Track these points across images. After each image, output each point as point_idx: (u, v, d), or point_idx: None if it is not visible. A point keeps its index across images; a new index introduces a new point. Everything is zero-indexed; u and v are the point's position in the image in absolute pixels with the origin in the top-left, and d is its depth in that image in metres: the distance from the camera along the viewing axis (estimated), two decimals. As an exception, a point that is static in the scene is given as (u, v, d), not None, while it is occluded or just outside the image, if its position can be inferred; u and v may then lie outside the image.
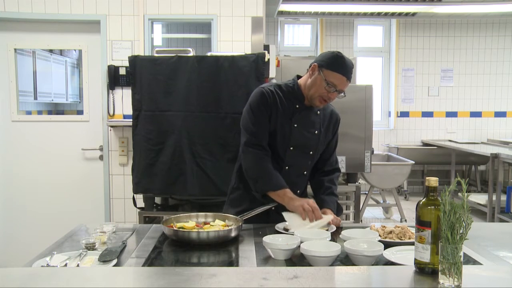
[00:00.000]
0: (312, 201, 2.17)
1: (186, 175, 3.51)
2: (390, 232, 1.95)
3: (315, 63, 2.21)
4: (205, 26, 4.64)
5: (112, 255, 1.72)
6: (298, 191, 2.33)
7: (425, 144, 7.78)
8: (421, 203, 1.44)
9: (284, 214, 2.15)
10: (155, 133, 3.53)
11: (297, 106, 2.28)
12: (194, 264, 1.77)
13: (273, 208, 2.24)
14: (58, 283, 1.36)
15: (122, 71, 4.11)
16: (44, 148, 4.25)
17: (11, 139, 4.24)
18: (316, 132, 2.32)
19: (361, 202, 4.53)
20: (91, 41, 4.24)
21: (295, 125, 2.27)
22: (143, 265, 1.69)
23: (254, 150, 2.24)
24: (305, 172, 2.37)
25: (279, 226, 2.12)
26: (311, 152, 2.32)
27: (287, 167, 2.30)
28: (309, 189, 2.47)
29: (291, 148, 2.28)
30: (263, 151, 2.24)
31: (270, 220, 2.24)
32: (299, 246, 1.72)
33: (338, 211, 2.33)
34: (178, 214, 2.14)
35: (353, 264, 1.65)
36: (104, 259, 1.68)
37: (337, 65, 2.16)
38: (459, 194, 1.37)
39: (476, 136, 7.97)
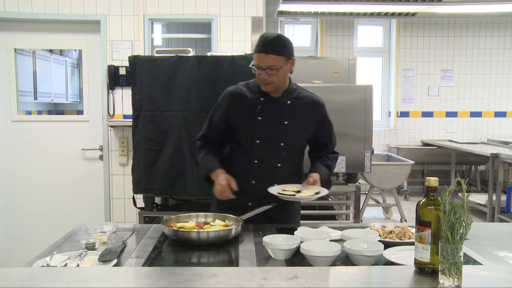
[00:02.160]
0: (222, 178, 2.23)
1: (186, 175, 3.51)
2: (390, 232, 1.95)
3: None
4: (205, 26, 4.65)
5: (112, 255, 1.72)
6: (275, 185, 2.27)
7: (425, 144, 7.78)
8: (421, 203, 1.44)
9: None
10: (155, 133, 3.53)
11: (262, 98, 2.28)
12: (194, 264, 1.77)
13: (274, 205, 2.23)
14: (58, 283, 1.36)
15: (122, 71, 4.12)
16: (44, 148, 4.25)
17: (11, 139, 4.24)
18: (286, 122, 2.28)
19: (361, 202, 4.52)
20: (91, 41, 4.23)
21: (259, 118, 2.26)
22: (143, 265, 1.69)
23: (198, 142, 2.41)
24: (279, 165, 2.31)
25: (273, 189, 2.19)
26: (282, 144, 2.28)
27: (256, 161, 2.28)
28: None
29: (258, 141, 2.27)
30: (206, 140, 2.39)
31: (269, 219, 2.24)
32: (299, 246, 1.72)
33: (327, 184, 2.32)
34: (178, 214, 2.14)
35: (353, 264, 1.65)
36: (104, 259, 1.68)
37: (256, 46, 2.19)
38: (459, 194, 1.37)
39: (476, 136, 7.97)
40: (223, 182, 2.21)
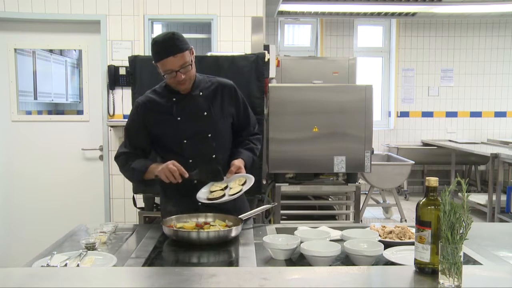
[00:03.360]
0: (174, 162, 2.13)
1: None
2: (390, 232, 1.95)
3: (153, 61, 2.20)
4: (205, 26, 4.65)
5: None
6: (201, 190, 2.24)
7: (425, 144, 7.78)
8: (421, 203, 1.44)
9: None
10: (155, 133, 3.53)
11: (174, 99, 2.24)
12: (194, 264, 1.77)
13: (274, 204, 2.24)
14: (58, 283, 1.36)
15: (122, 71, 4.12)
16: (44, 148, 4.25)
17: (11, 139, 4.23)
18: (206, 113, 2.26)
19: (361, 202, 4.52)
20: (91, 41, 4.24)
21: (179, 118, 2.23)
22: (143, 265, 1.69)
23: (120, 157, 2.27)
24: (214, 156, 2.29)
25: (201, 197, 2.14)
26: (209, 135, 2.26)
27: (190, 160, 2.24)
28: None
29: (185, 141, 2.24)
30: (127, 152, 2.26)
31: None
32: (299, 246, 1.72)
33: (251, 168, 2.30)
34: (178, 214, 2.14)
35: (353, 264, 1.65)
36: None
37: (154, 55, 2.13)
38: (459, 194, 1.37)
39: (476, 136, 7.96)
40: (170, 165, 2.08)
